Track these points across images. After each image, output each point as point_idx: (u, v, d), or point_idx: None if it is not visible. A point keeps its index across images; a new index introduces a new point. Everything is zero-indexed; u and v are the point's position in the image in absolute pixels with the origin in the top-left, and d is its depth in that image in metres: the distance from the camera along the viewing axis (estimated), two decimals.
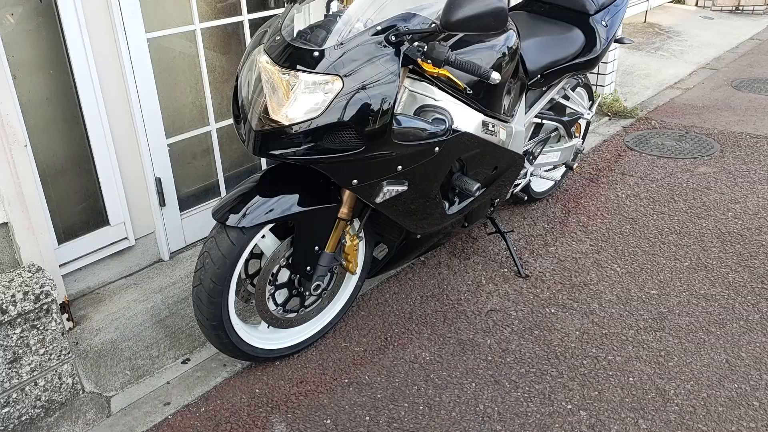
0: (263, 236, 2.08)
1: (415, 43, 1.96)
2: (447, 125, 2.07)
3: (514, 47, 2.36)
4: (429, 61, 1.93)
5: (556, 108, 3.01)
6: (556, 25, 2.85)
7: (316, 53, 1.82)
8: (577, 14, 2.89)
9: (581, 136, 3.39)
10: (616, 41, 3.19)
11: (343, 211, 2.10)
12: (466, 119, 2.19)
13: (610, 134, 4.34)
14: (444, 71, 1.93)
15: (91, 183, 2.49)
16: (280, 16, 2.05)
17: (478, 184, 2.24)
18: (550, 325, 2.50)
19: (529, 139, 2.94)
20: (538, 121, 2.91)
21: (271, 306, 2.16)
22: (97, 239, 2.55)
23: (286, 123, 1.83)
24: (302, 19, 2.00)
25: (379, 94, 1.82)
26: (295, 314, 2.24)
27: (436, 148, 2.03)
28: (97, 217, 2.54)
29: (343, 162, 1.87)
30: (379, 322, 2.53)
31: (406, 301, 2.66)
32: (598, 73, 4.81)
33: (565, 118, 3.00)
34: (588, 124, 3.50)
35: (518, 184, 2.90)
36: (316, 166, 1.89)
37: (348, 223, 2.20)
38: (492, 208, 2.68)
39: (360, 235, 2.27)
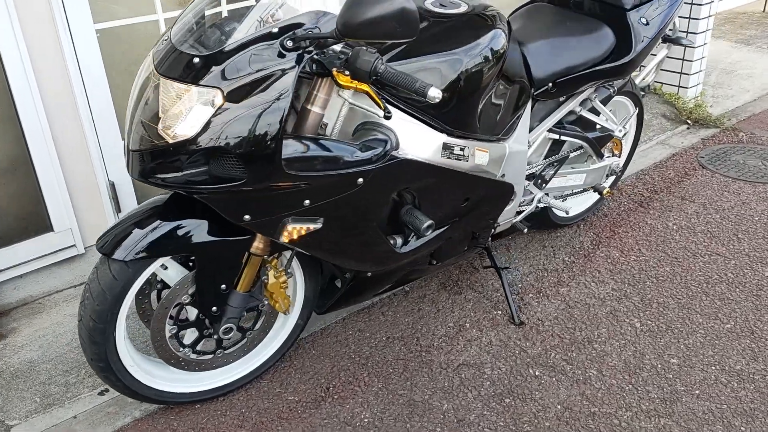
0: (165, 266, 1.78)
1: (338, 48, 1.57)
2: (382, 150, 1.67)
3: (500, 50, 1.90)
4: (348, 72, 1.54)
5: (583, 122, 2.49)
6: (581, 22, 2.33)
7: (197, 60, 1.49)
8: (611, 8, 2.35)
9: (620, 154, 2.83)
10: (670, 41, 2.61)
11: (258, 245, 1.76)
12: (419, 141, 1.78)
13: (684, 146, 3.69)
14: (363, 86, 1.53)
15: (30, 186, 2.30)
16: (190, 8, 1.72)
17: (429, 222, 1.82)
18: (527, 392, 2.05)
19: (544, 158, 2.45)
20: (556, 137, 2.41)
21: (175, 347, 1.87)
22: (40, 246, 2.37)
23: (160, 143, 1.51)
24: (199, 13, 1.66)
25: (264, 114, 1.46)
26: (211, 356, 1.94)
27: (360, 179, 1.63)
28: (39, 223, 2.36)
29: (229, 194, 1.53)
30: (327, 366, 2.18)
31: (369, 342, 2.29)
32: (681, 72, 4.12)
33: (592, 135, 2.48)
34: (637, 138, 2.93)
35: (521, 212, 2.42)
36: (199, 197, 1.56)
37: (274, 257, 1.87)
38: (477, 240, 2.24)
39: (289, 271, 1.92)
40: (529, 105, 2.20)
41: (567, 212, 2.75)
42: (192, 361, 1.91)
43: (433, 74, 1.77)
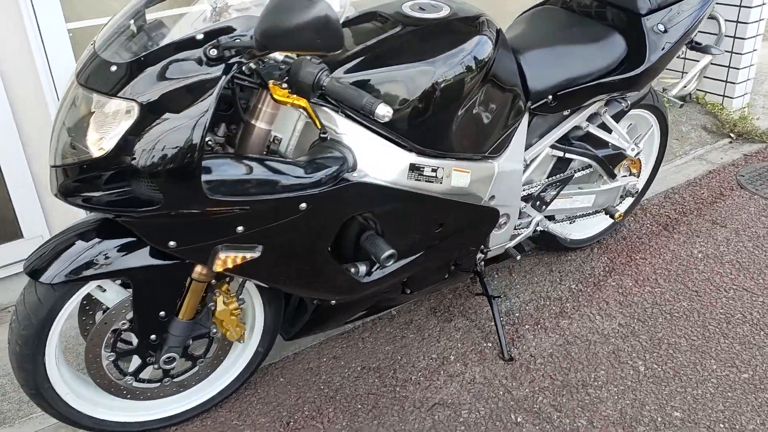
0: (102, 288, 1.65)
1: (280, 57, 1.41)
2: (333, 171, 1.49)
3: (484, 59, 1.70)
4: (285, 86, 1.36)
5: (593, 138, 2.24)
6: (589, 28, 2.09)
7: (115, 68, 1.34)
8: (623, 13, 2.09)
9: (639, 174, 2.56)
10: (696, 49, 2.33)
11: (199, 271, 1.61)
12: (381, 161, 1.59)
13: (723, 163, 3.36)
14: (300, 101, 1.36)
15: None
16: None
17: (390, 252, 1.63)
18: None
19: (547, 177, 2.22)
20: (560, 154, 2.18)
21: (116, 375, 1.73)
22: (7, 253, 2.28)
23: (78, 159, 1.37)
24: (130, 15, 1.50)
25: (181, 131, 1.30)
26: (158, 384, 1.80)
27: (303, 205, 1.45)
28: (8, 229, 2.27)
29: (151, 218, 1.37)
30: (293, 397, 2.02)
31: (342, 372, 2.11)
32: (726, 81, 3.78)
33: (602, 153, 2.23)
34: (661, 156, 2.65)
35: (517, 235, 2.20)
36: (120, 220, 1.41)
37: (224, 282, 1.71)
38: (461, 267, 2.03)
39: (241, 297, 1.76)
40: (525, 119, 1.98)
41: (567, 238, 2.52)
42: (135, 389, 1.77)
43: (399, 86, 1.58)
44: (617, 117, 2.24)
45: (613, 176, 2.32)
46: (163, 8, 1.59)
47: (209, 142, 1.41)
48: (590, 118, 2.19)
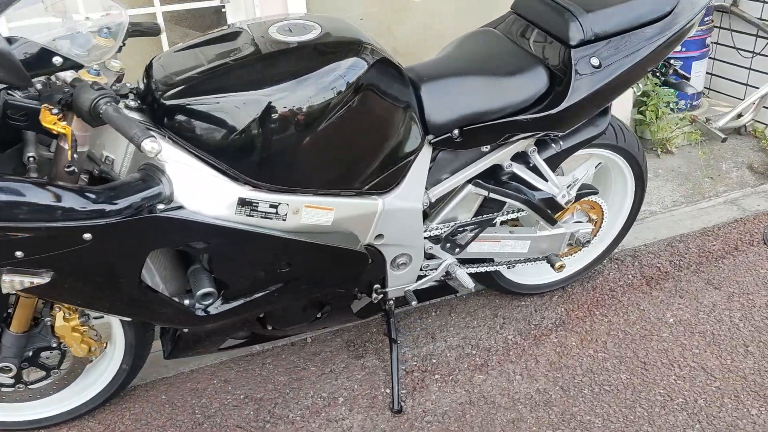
0: None
1: (69, 78, 1.35)
2: (136, 200, 1.41)
3: (346, 87, 1.54)
4: (56, 111, 1.31)
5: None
6: (516, 57, 1.84)
7: None
8: (552, 42, 1.82)
9: (600, 222, 2.25)
10: (668, 85, 2.01)
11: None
12: (204, 193, 1.49)
13: (758, 211, 2.91)
14: (60, 127, 1.29)
15: None
16: None
17: (207, 290, 1.53)
18: None
19: (473, 216, 2.01)
20: (484, 194, 1.96)
21: None
22: None
23: None
24: None
25: None
26: (10, 389, 1.82)
27: (87, 235, 1.39)
28: None
29: None
30: (164, 417, 1.98)
31: (223, 398, 2.04)
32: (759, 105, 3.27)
33: (538, 197, 1.97)
34: (636, 205, 2.32)
35: (424, 276, 2.00)
36: None
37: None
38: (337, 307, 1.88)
39: (85, 312, 1.73)
40: (425, 154, 1.79)
41: (518, 282, 2.28)
42: None
43: (229, 113, 1.47)
44: (556, 158, 1.97)
45: (552, 222, 2.05)
46: None
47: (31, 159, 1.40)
48: (517, 157, 1.94)
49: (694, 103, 3.45)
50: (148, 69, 1.58)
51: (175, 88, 1.48)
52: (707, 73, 3.70)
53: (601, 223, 2.25)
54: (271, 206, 1.55)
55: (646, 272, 2.53)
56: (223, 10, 2.45)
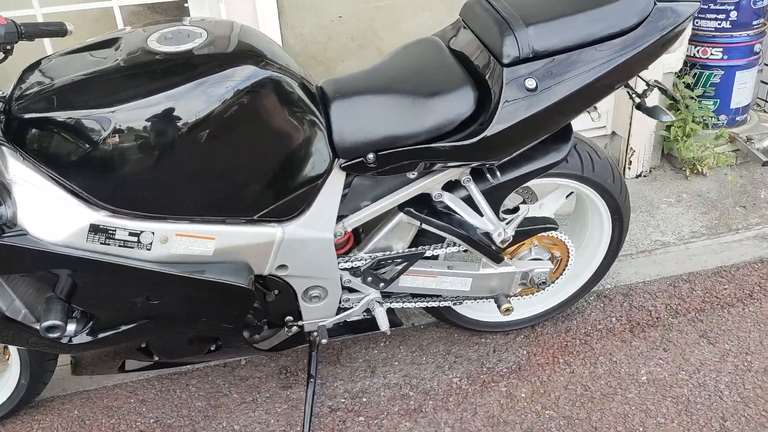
0: None
1: None
2: None
3: (234, 99, 1.38)
4: None
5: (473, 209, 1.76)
6: (446, 73, 1.59)
7: None
8: (492, 59, 1.56)
9: (564, 263, 1.96)
10: (644, 111, 1.70)
11: None
12: (52, 218, 1.36)
13: None
14: None
15: None
16: None
17: (51, 323, 1.40)
18: None
19: (409, 248, 1.80)
20: (417, 224, 1.74)
21: None
22: None
23: None
24: None
25: None
26: None
27: None
28: None
29: None
30: None
31: (133, 420, 1.94)
32: None
33: (477, 233, 1.73)
34: (614, 244, 2.02)
35: (343, 309, 1.81)
36: None
37: None
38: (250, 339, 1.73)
39: None
40: (338, 179, 1.60)
41: (475, 319, 2.05)
42: None
43: (79, 131, 1.33)
44: (500, 189, 1.72)
45: (497, 260, 1.80)
46: None
47: None
48: (453, 186, 1.70)
49: (739, 118, 3.02)
50: (23, 74, 1.46)
51: (30, 99, 1.36)
52: (762, 82, 3.24)
53: (567, 261, 1.96)
54: (131, 234, 1.41)
55: (633, 316, 2.21)
56: (186, 4, 2.32)
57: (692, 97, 2.82)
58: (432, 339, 2.18)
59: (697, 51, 2.90)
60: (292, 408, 1.95)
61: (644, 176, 2.97)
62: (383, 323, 1.74)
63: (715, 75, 2.88)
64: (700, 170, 2.90)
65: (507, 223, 1.72)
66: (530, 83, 1.50)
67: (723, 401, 1.86)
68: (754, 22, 2.81)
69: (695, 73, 2.94)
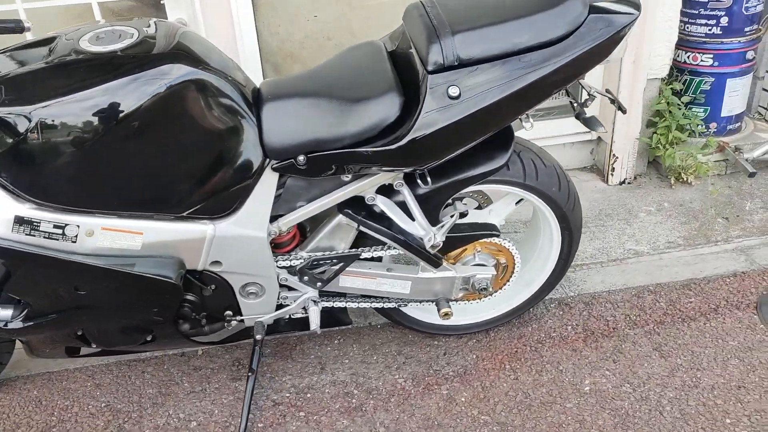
0: None
1: None
2: None
3: (154, 98, 1.43)
4: None
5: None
6: (378, 77, 1.61)
7: None
8: (408, 64, 1.57)
9: (510, 270, 1.96)
10: (583, 122, 1.69)
11: None
12: None
13: (766, 265, 2.44)
14: None
15: None
16: None
17: None
18: None
19: (352, 248, 1.83)
20: (355, 225, 1.77)
21: None
22: None
23: None
24: None
25: None
26: None
27: None
28: None
29: None
30: (25, 414, 1.99)
31: (87, 404, 2.02)
32: None
33: (412, 237, 1.75)
34: (565, 256, 2.00)
35: (283, 305, 1.85)
36: None
37: None
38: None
39: None
40: (270, 180, 1.64)
41: (425, 321, 2.07)
42: None
43: (11, 127, 1.40)
44: (437, 194, 1.73)
45: (434, 264, 1.81)
46: None
47: None
48: (388, 190, 1.72)
49: (731, 127, 2.94)
50: None
51: None
52: (765, 90, 3.15)
53: (513, 268, 1.96)
54: (56, 227, 1.48)
55: (590, 325, 2.20)
56: (162, 2, 2.38)
57: (678, 105, 2.75)
58: (386, 339, 2.21)
59: (688, 57, 2.84)
60: (238, 400, 2.00)
61: (628, 183, 2.93)
62: (314, 323, 1.78)
63: (706, 82, 2.81)
64: (685, 179, 2.84)
65: (438, 228, 1.72)
66: (453, 91, 1.50)
67: (662, 417, 1.83)
68: (747, 29, 2.73)
69: (685, 80, 2.87)
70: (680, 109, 2.73)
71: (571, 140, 2.98)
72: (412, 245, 1.76)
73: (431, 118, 1.50)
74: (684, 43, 2.81)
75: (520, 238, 2.38)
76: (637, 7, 1.56)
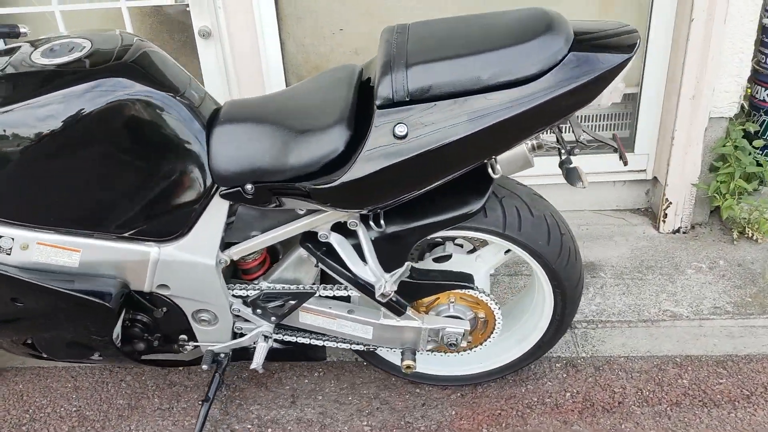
0: None
1: None
2: None
3: (90, 114, 1.40)
4: None
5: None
6: (336, 107, 1.47)
7: None
8: (361, 97, 1.43)
9: (490, 329, 1.76)
10: (561, 167, 1.48)
11: None
12: None
13: None
14: None
15: None
16: None
17: None
18: None
19: (318, 284, 1.73)
20: (314, 261, 1.66)
21: None
22: None
23: None
24: None
25: None
26: None
27: None
28: None
29: None
30: None
31: (58, 406, 2.04)
32: None
33: (365, 281, 1.61)
34: (561, 315, 1.77)
35: (240, 333, 1.77)
36: None
37: None
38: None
39: None
40: (220, 207, 1.56)
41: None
42: None
43: None
44: (399, 238, 1.57)
45: (396, 312, 1.66)
46: None
47: None
48: (342, 228, 1.59)
49: None
50: None
51: None
52: None
53: (494, 324, 1.76)
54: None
55: (593, 395, 1.94)
56: (188, 8, 2.37)
57: (749, 150, 2.39)
58: (367, 378, 2.07)
59: (767, 94, 2.46)
60: (177, 422, 1.94)
61: (683, 233, 2.59)
62: (257, 361, 1.68)
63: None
64: (751, 236, 2.47)
65: (390, 276, 1.57)
66: (400, 130, 1.34)
67: None
68: None
69: (763, 121, 2.50)
70: (749, 154, 2.37)
71: (623, 178, 2.68)
72: (368, 290, 1.61)
73: (372, 157, 1.35)
74: (764, 78, 2.44)
75: (519, 291, 2.16)
76: (630, 49, 1.32)
